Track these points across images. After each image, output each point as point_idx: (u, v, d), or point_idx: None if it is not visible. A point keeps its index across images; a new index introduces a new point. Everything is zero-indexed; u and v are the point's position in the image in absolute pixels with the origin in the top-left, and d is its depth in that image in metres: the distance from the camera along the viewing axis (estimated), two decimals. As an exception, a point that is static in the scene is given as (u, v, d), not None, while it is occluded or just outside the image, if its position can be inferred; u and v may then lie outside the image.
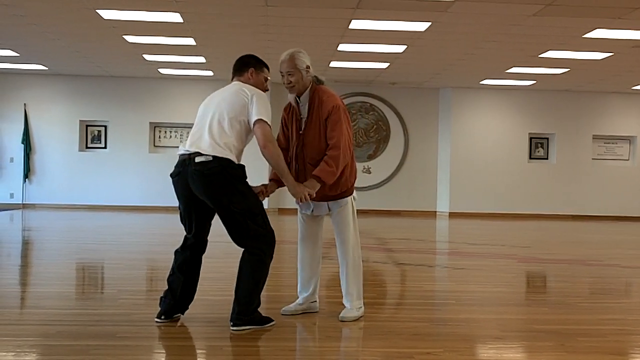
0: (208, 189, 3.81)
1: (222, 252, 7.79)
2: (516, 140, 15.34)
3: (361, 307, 4.19)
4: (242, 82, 4.05)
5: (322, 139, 3.99)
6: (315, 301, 4.32)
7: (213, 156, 3.76)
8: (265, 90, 4.09)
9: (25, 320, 4.13)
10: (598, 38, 9.52)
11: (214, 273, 6.09)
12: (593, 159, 15.53)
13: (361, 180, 14.91)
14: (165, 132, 14.92)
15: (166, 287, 4.07)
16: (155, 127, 14.86)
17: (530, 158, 15.53)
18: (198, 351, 3.57)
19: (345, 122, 3.99)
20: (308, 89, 4.05)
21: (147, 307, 4.52)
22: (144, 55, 11.83)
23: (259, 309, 3.96)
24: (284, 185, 4.08)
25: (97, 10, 8.61)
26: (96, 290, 5.43)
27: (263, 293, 5.34)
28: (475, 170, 15.18)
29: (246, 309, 3.86)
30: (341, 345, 3.80)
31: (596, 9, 8.00)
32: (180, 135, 14.92)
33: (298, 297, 4.32)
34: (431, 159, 15.51)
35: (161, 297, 4.08)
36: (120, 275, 5.94)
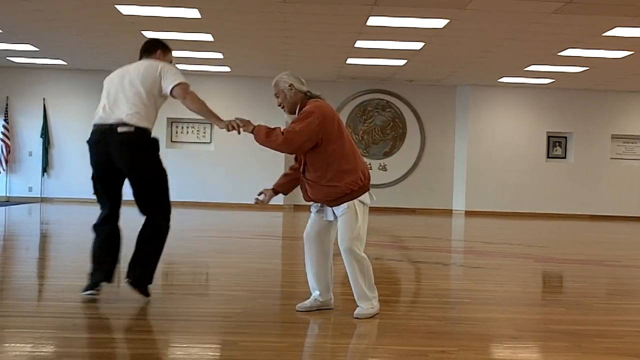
0: (130, 158, 4.16)
1: (237, 247, 7.84)
2: (534, 138, 15.22)
3: (374, 306, 4.17)
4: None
5: (315, 153, 4.06)
6: (330, 298, 4.32)
7: (135, 127, 4.13)
8: None
9: (43, 313, 4.18)
10: (617, 36, 9.41)
11: (230, 268, 6.12)
12: (611, 158, 15.36)
13: (377, 177, 14.87)
14: (183, 127, 14.99)
15: (92, 264, 4.37)
16: (172, 122, 14.94)
17: (548, 157, 15.41)
18: (213, 345, 3.59)
19: (307, 123, 3.98)
20: (298, 105, 4.17)
21: (163, 301, 4.55)
22: (162, 51, 11.89)
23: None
24: (280, 193, 4.39)
25: (116, 6, 8.67)
26: (112, 284, 5.47)
27: (278, 289, 5.38)
28: (492, 168, 15.09)
29: (150, 273, 4.29)
30: (355, 342, 3.80)
31: (616, 7, 7.91)
32: (197, 131, 14.98)
33: (312, 294, 4.32)
34: (448, 156, 15.44)
35: (90, 273, 4.35)
36: (136, 269, 5.97)
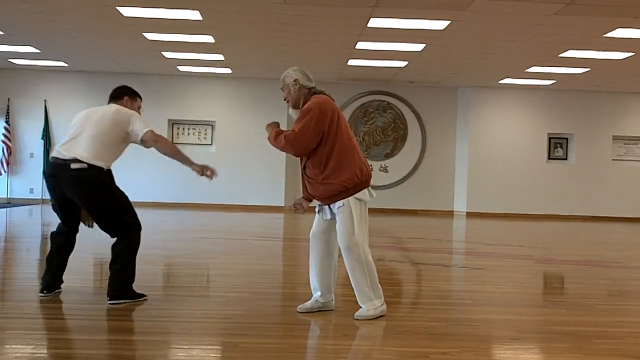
0: (82, 193, 4.34)
1: (238, 249, 7.84)
2: (535, 140, 15.22)
3: (377, 307, 4.15)
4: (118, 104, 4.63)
5: (314, 150, 4.08)
6: (332, 300, 4.31)
7: (88, 164, 4.31)
8: None
9: (44, 314, 4.18)
10: (619, 37, 9.41)
11: (231, 270, 6.13)
12: (613, 159, 15.35)
13: (378, 179, 14.88)
14: (184, 129, 15.00)
15: (46, 267, 4.59)
16: (173, 124, 14.95)
17: (549, 158, 15.40)
18: (214, 347, 3.59)
19: (313, 124, 4.01)
20: (302, 100, 4.21)
21: (164, 303, 4.56)
22: (163, 53, 11.90)
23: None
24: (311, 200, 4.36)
25: (118, 8, 8.68)
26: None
27: (278, 291, 5.37)
28: (493, 170, 15.08)
29: (120, 283, 4.37)
30: (357, 343, 3.79)
31: (617, 8, 7.91)
32: (199, 132, 14.99)
33: (313, 295, 4.32)
34: (449, 158, 15.44)
35: (42, 277, 4.60)
36: (137, 271, 5.97)
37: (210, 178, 4.40)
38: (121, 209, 4.45)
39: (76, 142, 4.39)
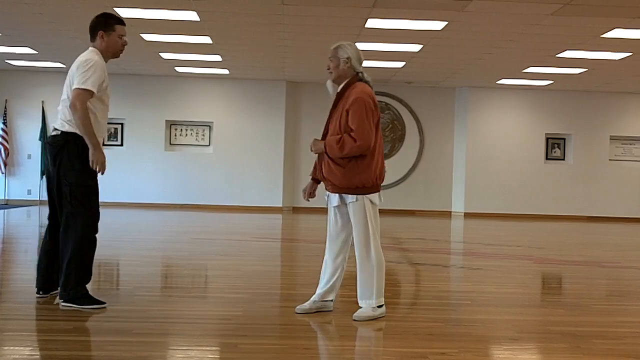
0: (52, 161, 4.17)
1: (236, 250, 7.83)
2: (533, 140, 15.23)
3: (376, 307, 4.14)
4: (96, 47, 4.25)
5: (340, 131, 4.06)
6: (331, 300, 4.28)
7: (61, 131, 4.12)
8: (120, 50, 4.32)
9: (42, 316, 4.17)
10: (616, 38, 9.42)
11: (229, 270, 6.12)
12: (610, 160, 15.37)
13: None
14: (182, 130, 14.99)
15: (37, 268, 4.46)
16: (171, 125, 14.94)
17: (547, 159, 15.41)
18: (213, 348, 3.59)
19: (367, 116, 4.02)
20: (346, 81, 4.14)
21: (163, 304, 4.55)
22: (161, 54, 11.90)
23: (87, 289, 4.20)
24: (320, 182, 4.29)
25: (115, 9, 8.67)
26: (112, 287, 5.47)
27: (277, 292, 5.36)
28: (491, 170, 15.09)
29: (66, 281, 4.11)
30: (356, 344, 3.79)
31: (615, 8, 7.92)
32: (196, 133, 14.97)
33: (316, 291, 4.29)
34: (447, 158, 15.45)
35: (36, 277, 4.43)
36: (135, 272, 5.98)
37: (99, 172, 4.15)
38: (77, 187, 4.11)
39: (58, 110, 4.26)
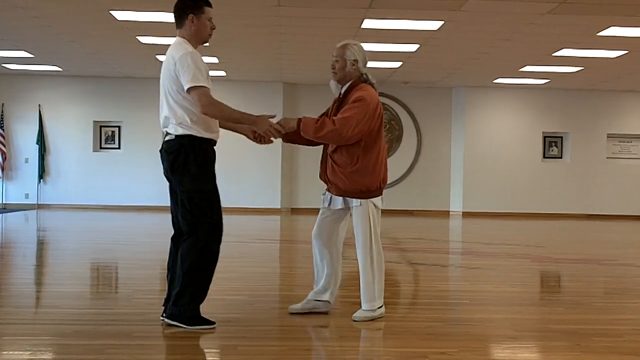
0: (169, 168, 3.85)
1: (235, 251, 7.82)
2: (530, 139, 15.25)
3: (376, 308, 4.13)
4: (183, 36, 3.81)
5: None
6: (327, 301, 4.24)
7: (175, 135, 3.76)
8: (209, 35, 3.87)
9: (41, 320, 4.17)
10: (612, 36, 9.43)
11: (229, 273, 6.11)
12: (607, 157, 15.39)
13: (374, 179, 14.88)
14: (179, 132, 14.96)
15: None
16: (168, 127, 14.91)
17: (544, 157, 15.43)
18: (212, 350, 3.58)
19: (360, 113, 3.95)
20: (350, 82, 4.09)
21: (162, 307, 4.54)
22: (157, 56, 11.88)
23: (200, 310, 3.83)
24: (298, 143, 4.19)
25: (111, 12, 8.66)
26: (111, 290, 5.47)
27: (276, 293, 5.35)
28: (488, 169, 15.10)
29: (179, 297, 3.78)
30: (355, 345, 3.79)
31: (611, 6, 7.93)
32: (193, 135, 14.95)
33: (313, 289, 4.28)
34: (444, 158, 15.45)
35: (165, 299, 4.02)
36: (134, 275, 5.98)
37: (272, 138, 3.92)
38: (195, 193, 3.80)
39: (161, 112, 3.87)
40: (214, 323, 3.83)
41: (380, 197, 4.16)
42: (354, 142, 3.97)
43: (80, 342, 3.56)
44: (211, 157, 3.91)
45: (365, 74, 4.14)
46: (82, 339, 3.62)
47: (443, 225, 12.81)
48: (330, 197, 4.17)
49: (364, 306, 4.14)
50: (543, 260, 7.53)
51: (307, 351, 3.59)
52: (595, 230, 12.21)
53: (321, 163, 4.21)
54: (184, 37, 3.83)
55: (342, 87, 4.14)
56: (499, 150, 15.13)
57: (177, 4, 3.84)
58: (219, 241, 3.91)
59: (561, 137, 15.45)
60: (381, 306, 4.17)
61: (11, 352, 3.39)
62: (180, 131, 3.76)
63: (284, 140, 4.22)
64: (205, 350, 3.56)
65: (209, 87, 3.76)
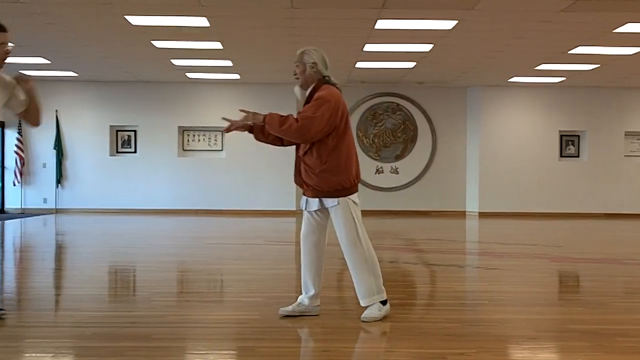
0: None
1: (251, 254, 7.84)
2: (546, 138, 15.13)
3: (381, 305, 4.10)
4: None
5: (321, 141, 4.07)
6: (317, 305, 4.24)
7: None
8: (2, 60, 4.00)
9: (61, 322, 4.20)
10: (629, 32, 9.34)
11: (245, 274, 6.13)
12: (625, 155, 15.23)
13: (389, 180, 14.85)
14: (194, 135, 15.05)
15: None
16: (184, 130, 14.99)
17: (561, 156, 15.30)
18: (231, 352, 3.59)
19: (321, 110, 3.99)
20: (313, 85, 4.17)
21: (180, 309, 4.56)
22: (172, 60, 11.95)
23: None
24: (254, 131, 4.32)
25: (126, 17, 8.73)
26: (129, 293, 5.50)
27: (293, 295, 5.34)
28: (505, 169, 15.01)
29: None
30: (373, 345, 3.78)
31: (627, 2, 7.85)
32: (209, 138, 15.02)
33: (303, 294, 4.28)
34: (460, 158, 15.38)
35: None
36: (152, 277, 6.01)
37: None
38: None
39: None
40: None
41: (356, 193, 4.17)
42: (317, 140, 4.03)
43: (100, 345, 3.58)
44: None
45: (328, 76, 4.20)
46: (101, 341, 3.65)
47: (459, 226, 12.75)
48: (306, 200, 4.21)
49: (364, 302, 4.13)
50: (562, 260, 7.47)
51: (325, 352, 3.58)
52: (615, 230, 12.08)
53: (295, 167, 4.26)
54: None
55: (306, 92, 4.20)
56: (515, 150, 15.03)
57: None
58: None
59: (578, 136, 15.32)
60: (385, 302, 4.15)
61: (32, 355, 3.42)
62: None
63: (255, 138, 4.34)
64: (224, 352, 3.56)
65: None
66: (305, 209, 4.24)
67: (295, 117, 4.04)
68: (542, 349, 3.64)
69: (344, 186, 4.09)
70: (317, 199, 4.14)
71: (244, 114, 4.21)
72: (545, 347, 3.67)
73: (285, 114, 4.12)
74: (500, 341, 3.73)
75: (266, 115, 4.15)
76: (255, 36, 9.92)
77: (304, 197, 4.24)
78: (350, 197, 4.12)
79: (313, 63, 4.16)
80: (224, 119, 4.34)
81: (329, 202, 4.11)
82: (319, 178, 4.08)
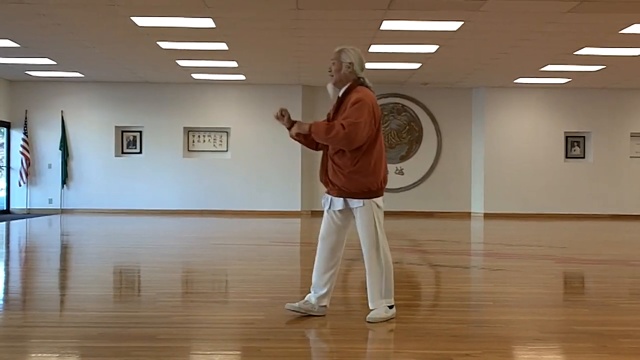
0: None
1: (256, 254, 7.85)
2: (552, 139, 15.10)
3: (385, 305, 4.12)
4: None
5: None
6: (323, 305, 4.24)
7: None
8: None
9: (67, 323, 4.22)
10: (635, 33, 9.32)
11: (250, 275, 6.14)
12: (631, 157, 15.19)
13: (394, 181, 14.84)
14: (199, 136, 15.07)
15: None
16: (189, 131, 15.02)
17: (567, 157, 15.27)
18: (236, 352, 3.60)
19: (367, 115, 3.99)
20: (348, 84, 4.14)
21: (185, 309, 4.57)
22: (178, 61, 11.98)
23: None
24: (294, 128, 4.24)
25: (132, 18, 8.75)
26: (135, 293, 5.51)
27: (298, 295, 5.35)
28: (510, 170, 14.98)
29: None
30: (379, 347, 3.78)
31: (632, 3, 7.83)
32: (214, 139, 15.04)
33: (310, 293, 4.28)
34: (465, 159, 15.36)
35: None
36: (157, 278, 6.03)
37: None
38: None
39: None
40: None
41: (381, 197, 4.17)
42: (362, 143, 4.01)
43: (106, 345, 3.59)
44: None
45: (363, 77, 4.17)
46: (107, 341, 3.66)
47: (464, 227, 12.73)
48: (330, 199, 4.18)
49: (372, 305, 4.14)
50: (567, 261, 7.45)
51: (332, 353, 3.58)
52: (620, 231, 12.04)
53: (321, 165, 4.24)
54: None
55: (340, 90, 4.18)
56: (521, 151, 15.01)
57: None
58: None
59: (583, 137, 15.28)
60: (392, 306, 4.16)
61: (38, 355, 3.43)
62: None
63: (290, 136, 4.28)
64: (229, 353, 3.57)
65: None
66: (329, 209, 4.20)
67: (340, 123, 3.98)
68: (547, 350, 3.63)
69: (371, 189, 4.08)
70: (341, 199, 4.13)
71: (281, 113, 4.23)
72: (550, 349, 3.66)
73: (326, 121, 4.09)
74: (506, 342, 3.73)
75: (311, 124, 4.11)
76: (260, 37, 9.94)
77: (327, 196, 4.20)
78: (375, 200, 4.11)
79: (349, 63, 4.13)
80: (282, 109, 4.31)
81: (354, 202, 4.10)
82: (347, 179, 4.07)
